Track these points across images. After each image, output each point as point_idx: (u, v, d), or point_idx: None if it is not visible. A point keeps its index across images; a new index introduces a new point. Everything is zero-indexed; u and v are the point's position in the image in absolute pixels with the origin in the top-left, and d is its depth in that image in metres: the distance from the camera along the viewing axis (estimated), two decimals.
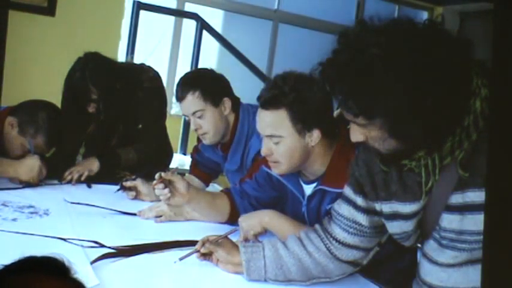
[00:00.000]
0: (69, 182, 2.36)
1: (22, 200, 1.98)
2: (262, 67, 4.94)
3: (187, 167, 2.78)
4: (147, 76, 2.57)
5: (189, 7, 4.90)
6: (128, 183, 2.26)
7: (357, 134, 1.22)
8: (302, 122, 1.67)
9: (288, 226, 1.70)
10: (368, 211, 1.42)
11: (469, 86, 1.16)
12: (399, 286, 1.58)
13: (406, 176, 1.26)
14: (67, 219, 1.84)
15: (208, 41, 4.39)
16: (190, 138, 4.04)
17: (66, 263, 0.83)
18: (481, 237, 1.12)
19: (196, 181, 2.47)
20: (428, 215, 1.27)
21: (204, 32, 4.22)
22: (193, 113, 2.19)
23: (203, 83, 2.20)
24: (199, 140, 2.43)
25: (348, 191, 1.45)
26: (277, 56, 5.42)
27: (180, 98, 2.21)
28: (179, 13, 4.79)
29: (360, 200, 1.42)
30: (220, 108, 2.21)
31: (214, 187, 2.60)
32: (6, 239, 1.55)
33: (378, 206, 1.38)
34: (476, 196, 1.17)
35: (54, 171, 2.32)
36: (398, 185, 1.28)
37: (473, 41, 1.17)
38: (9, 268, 0.79)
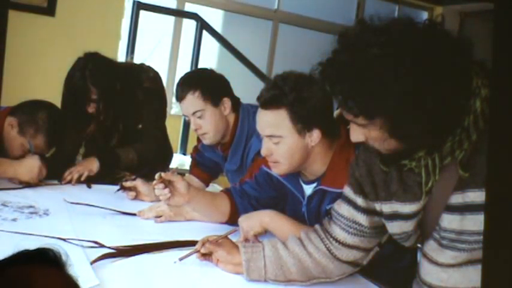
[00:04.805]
0: (69, 182, 2.36)
1: (22, 200, 1.98)
2: (262, 67, 4.94)
3: (187, 167, 2.79)
4: (147, 76, 2.57)
5: (189, 7, 4.90)
6: (128, 184, 2.25)
7: (357, 134, 1.22)
8: (302, 122, 1.67)
9: (288, 226, 1.70)
10: (368, 211, 1.41)
11: (469, 86, 1.16)
12: (399, 286, 1.58)
13: (406, 176, 1.26)
14: (67, 219, 1.84)
15: (208, 41, 4.39)
16: (190, 138, 4.04)
17: (63, 256, 0.83)
18: (481, 237, 1.12)
19: (196, 181, 2.46)
20: (428, 215, 1.27)
21: (204, 32, 4.22)
22: (193, 113, 2.19)
23: (203, 83, 2.20)
24: (199, 140, 2.43)
25: (347, 191, 1.45)
26: (277, 56, 5.42)
27: (180, 98, 2.21)
28: (179, 13, 4.79)
29: (360, 200, 1.42)
30: (220, 108, 2.21)
31: (214, 187, 2.60)
32: (6, 239, 1.55)
33: (377, 206, 1.38)
34: (476, 196, 1.17)
35: (54, 171, 2.32)
36: (398, 185, 1.28)
37: (473, 41, 1.17)
38: (2, 261, 0.80)
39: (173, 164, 3.07)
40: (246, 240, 1.69)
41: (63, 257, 0.83)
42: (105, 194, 2.27)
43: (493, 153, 0.72)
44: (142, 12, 3.93)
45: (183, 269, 1.50)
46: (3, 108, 2.33)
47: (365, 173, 1.38)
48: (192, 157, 2.58)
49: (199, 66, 4.13)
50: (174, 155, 3.07)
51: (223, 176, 2.57)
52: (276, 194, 1.92)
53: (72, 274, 0.83)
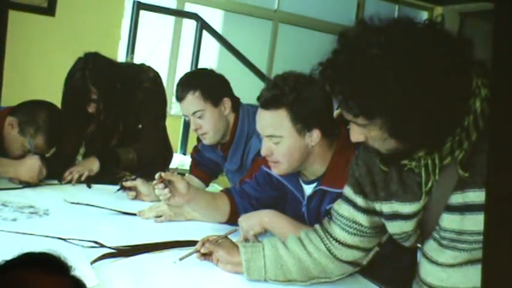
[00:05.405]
0: (69, 182, 2.36)
1: (22, 200, 1.98)
2: (262, 67, 4.94)
3: (187, 167, 2.78)
4: (147, 76, 2.57)
5: (189, 7, 4.91)
6: (128, 184, 2.25)
7: (357, 134, 1.22)
8: (302, 122, 1.67)
9: (288, 226, 1.70)
10: (368, 211, 1.41)
11: (469, 86, 1.16)
12: (399, 286, 1.58)
13: (406, 176, 1.26)
14: (67, 219, 1.84)
15: (208, 41, 4.39)
16: (190, 138, 4.04)
17: (63, 260, 0.83)
18: (481, 237, 1.12)
19: (196, 181, 2.46)
20: (428, 215, 1.27)
21: (204, 32, 4.22)
22: (193, 113, 2.19)
23: (203, 83, 2.20)
24: (199, 140, 2.43)
25: (347, 191, 1.45)
26: (277, 56, 5.43)
27: (180, 98, 2.21)
28: (179, 13, 4.80)
29: (359, 200, 1.42)
30: (220, 108, 2.21)
31: (214, 187, 2.60)
32: (6, 239, 1.55)
33: (377, 206, 1.38)
34: (476, 196, 1.17)
35: (54, 171, 2.32)
36: (398, 185, 1.28)
37: (473, 41, 1.17)
38: (6, 263, 0.80)
39: (173, 164, 3.07)
40: (246, 240, 1.69)
41: (64, 261, 0.83)
42: (105, 194, 2.27)
43: (493, 153, 0.72)
44: (142, 12, 3.93)
45: (183, 269, 1.50)
46: (3, 108, 2.33)
47: (365, 173, 1.38)
48: (192, 157, 2.58)
49: (199, 66, 4.13)
50: (174, 155, 3.07)
51: (223, 176, 2.57)
52: (276, 194, 1.92)
53: (75, 276, 0.83)
